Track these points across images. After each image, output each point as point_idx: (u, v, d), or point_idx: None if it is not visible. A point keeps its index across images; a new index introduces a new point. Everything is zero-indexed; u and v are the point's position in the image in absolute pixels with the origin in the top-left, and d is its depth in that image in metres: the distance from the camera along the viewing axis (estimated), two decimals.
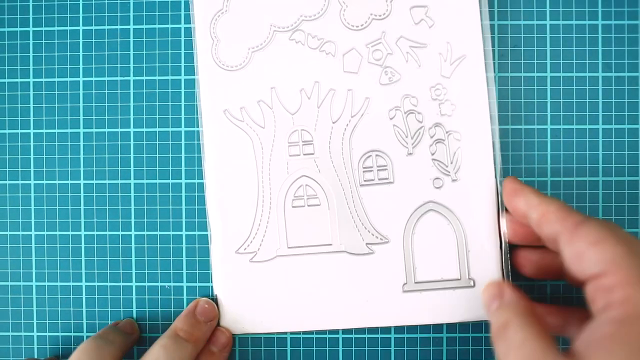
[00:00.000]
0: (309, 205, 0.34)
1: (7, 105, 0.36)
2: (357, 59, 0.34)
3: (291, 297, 0.34)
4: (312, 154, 0.34)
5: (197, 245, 0.36)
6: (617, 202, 0.35)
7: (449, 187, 0.34)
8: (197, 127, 0.36)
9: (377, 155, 0.34)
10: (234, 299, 0.35)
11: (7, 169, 0.36)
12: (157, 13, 0.36)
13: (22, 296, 0.36)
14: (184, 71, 0.36)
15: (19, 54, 0.36)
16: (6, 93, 0.36)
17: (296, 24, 0.34)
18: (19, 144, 0.36)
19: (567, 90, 0.35)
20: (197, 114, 0.36)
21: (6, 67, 0.36)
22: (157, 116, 0.36)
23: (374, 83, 0.34)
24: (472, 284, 0.34)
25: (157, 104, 0.36)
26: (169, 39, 0.36)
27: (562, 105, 0.35)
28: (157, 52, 0.36)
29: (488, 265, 0.34)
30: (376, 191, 0.34)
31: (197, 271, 0.36)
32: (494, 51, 0.35)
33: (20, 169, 0.36)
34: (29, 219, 0.36)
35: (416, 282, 0.34)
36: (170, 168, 0.36)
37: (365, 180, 0.34)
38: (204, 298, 0.35)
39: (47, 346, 0.36)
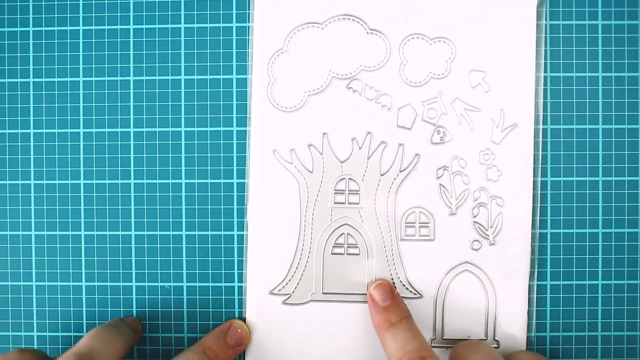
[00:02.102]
0: (348, 254, 0.35)
1: (7, 105, 0.36)
2: (412, 115, 0.35)
3: (320, 342, 0.35)
4: (357, 203, 0.35)
5: (197, 245, 0.36)
6: (617, 202, 0.35)
7: (486, 250, 0.35)
8: (196, 127, 0.36)
9: (420, 212, 0.35)
10: (262, 338, 0.35)
11: (7, 169, 0.36)
12: (157, 13, 0.36)
13: (22, 296, 0.36)
14: (183, 71, 0.36)
15: (19, 54, 0.36)
16: (6, 93, 0.36)
17: (355, 72, 0.35)
18: (19, 144, 0.36)
19: (567, 90, 0.35)
20: (196, 114, 0.36)
21: (6, 67, 0.36)
22: (157, 116, 0.36)
23: (426, 141, 0.35)
24: (497, 345, 0.35)
25: (157, 104, 0.36)
26: (169, 39, 0.36)
27: (562, 105, 0.35)
28: (157, 52, 0.36)
29: (514, 329, 0.35)
30: (416, 247, 0.35)
31: (197, 271, 0.36)
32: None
33: (20, 169, 0.36)
34: (29, 219, 0.36)
35: (443, 339, 0.35)
36: (170, 168, 0.36)
37: (406, 235, 0.35)
38: (239, 321, 0.35)
39: (47, 346, 0.36)
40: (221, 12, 0.36)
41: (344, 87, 0.35)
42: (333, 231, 0.35)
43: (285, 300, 0.35)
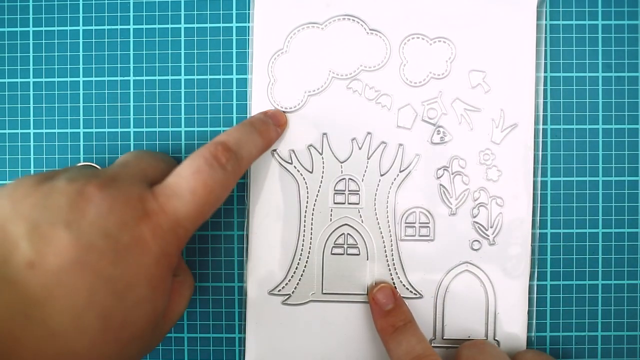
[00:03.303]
0: (348, 254, 0.35)
1: (7, 105, 0.36)
2: (412, 115, 0.35)
3: (320, 342, 0.35)
4: (357, 204, 0.35)
5: (196, 245, 0.36)
6: (617, 202, 0.35)
7: (486, 250, 0.35)
8: (196, 127, 0.36)
9: (420, 212, 0.35)
10: (262, 339, 0.35)
11: (7, 169, 0.36)
12: (157, 13, 0.36)
13: None
14: (183, 71, 0.36)
15: (19, 54, 0.36)
16: (6, 93, 0.36)
17: (355, 73, 0.35)
18: (19, 144, 0.36)
19: (567, 90, 0.35)
20: (196, 114, 0.36)
21: (6, 67, 0.36)
22: (157, 116, 0.36)
23: (426, 141, 0.35)
24: (497, 346, 0.35)
25: (157, 104, 0.36)
26: (169, 39, 0.36)
27: (562, 105, 0.35)
28: (157, 52, 0.36)
29: (514, 329, 0.35)
30: (415, 247, 0.35)
31: (197, 271, 0.36)
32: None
33: (20, 169, 0.36)
34: None
35: (444, 339, 0.35)
36: None
37: (406, 235, 0.35)
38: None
39: None
40: (221, 12, 0.36)
41: (344, 87, 0.35)
42: (333, 231, 0.35)
43: (285, 301, 0.35)
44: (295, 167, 0.35)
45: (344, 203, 0.35)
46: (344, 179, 0.35)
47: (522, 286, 0.35)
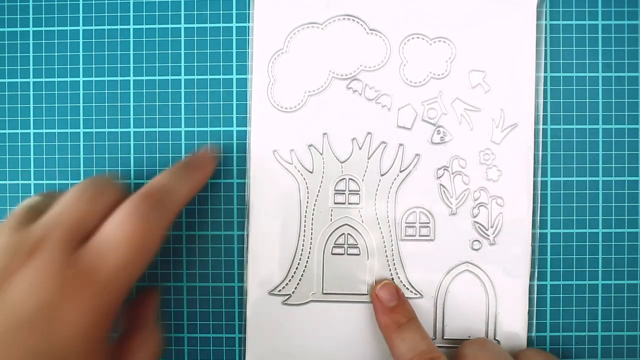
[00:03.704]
0: (348, 254, 0.35)
1: (7, 105, 0.36)
2: (412, 115, 0.35)
3: (321, 343, 0.35)
4: (358, 204, 0.35)
5: (197, 245, 0.36)
6: (617, 202, 0.35)
7: (487, 250, 0.35)
8: (196, 127, 0.36)
9: (421, 212, 0.35)
10: (262, 339, 0.35)
11: (7, 169, 0.36)
12: (157, 13, 0.36)
13: None
14: (183, 71, 0.36)
15: (19, 54, 0.36)
16: (6, 93, 0.36)
17: (355, 73, 0.35)
18: (19, 144, 0.36)
19: (567, 90, 0.35)
20: (196, 114, 0.36)
21: (6, 67, 0.36)
22: (157, 116, 0.36)
23: (426, 141, 0.35)
24: (498, 343, 0.35)
25: (157, 104, 0.36)
26: (169, 39, 0.36)
27: (562, 105, 0.35)
28: (157, 52, 0.36)
29: (514, 328, 0.35)
30: (416, 247, 0.35)
31: (197, 271, 0.36)
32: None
33: (20, 169, 0.36)
34: None
35: (444, 339, 0.35)
36: None
37: (406, 235, 0.35)
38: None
39: None
40: (221, 12, 0.36)
41: (344, 87, 0.35)
42: (333, 231, 0.35)
43: (285, 301, 0.35)
44: (295, 167, 0.35)
45: (344, 203, 0.35)
46: (344, 179, 0.35)
47: (522, 286, 0.35)
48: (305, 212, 0.35)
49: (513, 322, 0.35)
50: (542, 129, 0.35)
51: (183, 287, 0.36)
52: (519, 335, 0.35)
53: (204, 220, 0.36)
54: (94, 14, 0.36)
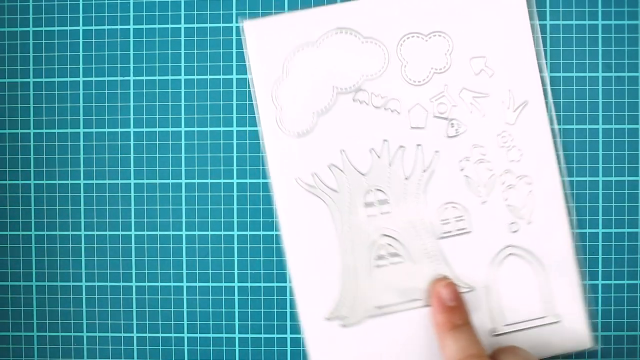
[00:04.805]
0: (392, 264, 0.34)
1: (7, 105, 0.36)
2: (423, 114, 0.35)
3: (384, 356, 0.34)
4: (389, 212, 0.35)
5: (196, 246, 0.36)
6: (617, 202, 0.35)
7: (525, 229, 0.35)
8: (196, 127, 0.36)
9: (452, 206, 0.35)
10: None
11: (7, 169, 0.36)
12: (157, 13, 0.36)
13: (21, 296, 0.36)
14: (183, 71, 0.36)
15: (19, 54, 0.36)
16: (6, 93, 0.36)
17: (358, 83, 0.35)
18: (19, 144, 0.36)
19: (567, 90, 0.35)
20: (196, 114, 0.36)
21: (6, 67, 0.36)
22: (157, 116, 0.36)
23: (442, 136, 0.35)
24: (558, 320, 0.35)
25: (157, 104, 0.36)
26: (169, 39, 0.36)
27: (562, 105, 0.35)
28: (157, 52, 0.36)
29: (571, 299, 0.35)
30: (456, 242, 0.35)
31: (197, 271, 0.36)
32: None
33: (20, 169, 0.36)
34: (29, 219, 0.36)
35: (505, 325, 0.35)
36: (170, 168, 0.36)
37: (444, 233, 0.35)
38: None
39: (47, 346, 0.36)
40: (221, 12, 0.36)
41: (350, 100, 0.35)
42: (373, 245, 0.35)
43: (342, 324, 0.34)
44: (320, 189, 0.35)
45: (376, 215, 0.35)
46: (370, 190, 0.35)
47: (569, 257, 0.34)
48: (341, 232, 0.34)
49: (568, 294, 0.34)
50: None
51: (183, 287, 0.36)
52: (577, 305, 0.34)
53: (204, 220, 0.36)
54: (93, 14, 0.36)
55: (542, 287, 0.34)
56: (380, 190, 0.35)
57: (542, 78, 0.35)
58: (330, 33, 0.35)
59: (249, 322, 0.36)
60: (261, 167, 0.36)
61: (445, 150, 0.35)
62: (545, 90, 0.35)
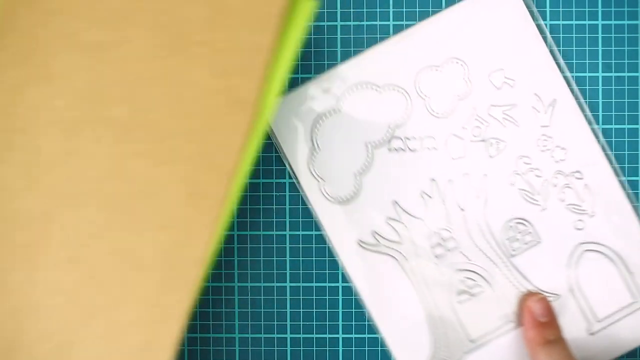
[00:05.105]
0: (473, 295, 0.35)
1: None
2: (460, 143, 0.35)
3: None
4: (456, 247, 0.35)
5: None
6: None
7: (591, 223, 0.35)
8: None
9: (515, 223, 0.35)
10: None
11: None
12: None
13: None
14: None
15: None
16: None
17: (389, 133, 0.35)
18: None
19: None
20: None
21: None
22: None
23: (485, 158, 0.35)
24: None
25: None
26: None
27: None
28: None
29: None
30: (528, 255, 0.35)
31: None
32: None
33: None
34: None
35: (598, 321, 0.35)
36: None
37: (514, 250, 0.35)
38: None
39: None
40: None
41: (386, 151, 0.35)
42: (450, 283, 0.35)
43: None
44: (384, 245, 0.35)
45: (444, 253, 0.35)
46: (433, 232, 0.35)
47: (637, 233, 0.35)
48: (417, 279, 0.35)
49: None
50: None
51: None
52: None
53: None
54: None
55: (623, 273, 0.35)
56: (442, 228, 0.35)
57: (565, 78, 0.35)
58: (347, 92, 0.35)
59: None
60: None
61: (492, 171, 0.35)
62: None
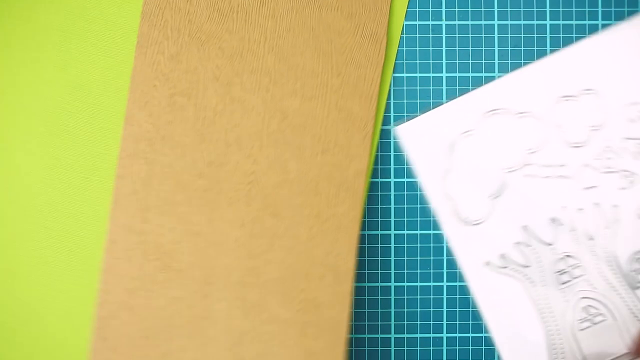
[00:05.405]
0: (594, 324, 0.35)
1: None
2: (593, 174, 0.35)
3: None
4: (583, 275, 0.35)
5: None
6: None
7: None
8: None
9: None
10: None
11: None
12: None
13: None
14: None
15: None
16: None
17: (524, 159, 0.35)
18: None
19: None
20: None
21: None
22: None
23: (616, 190, 0.35)
24: None
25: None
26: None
27: None
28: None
29: None
30: None
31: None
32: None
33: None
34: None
35: None
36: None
37: (638, 283, 0.35)
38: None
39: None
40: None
41: (520, 177, 0.35)
42: (573, 310, 0.35)
43: None
44: (511, 269, 0.35)
45: (570, 280, 0.35)
46: (560, 258, 0.35)
47: None
48: (539, 304, 0.35)
49: None
50: None
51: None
52: None
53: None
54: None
55: None
56: (570, 255, 0.35)
57: None
58: (483, 117, 0.35)
59: None
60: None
61: (623, 202, 0.35)
62: None
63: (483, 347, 0.36)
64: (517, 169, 0.35)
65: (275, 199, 0.33)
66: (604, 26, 0.34)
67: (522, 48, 0.36)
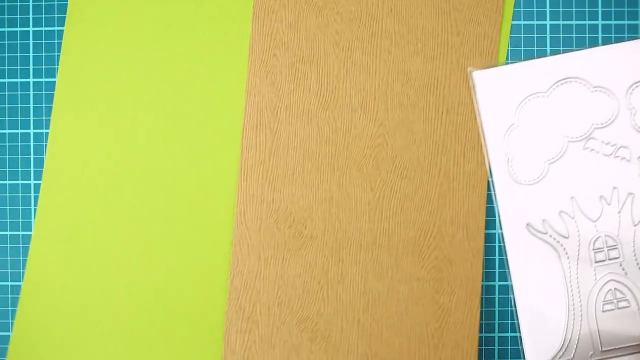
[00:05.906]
0: (618, 309, 0.34)
1: (7, 105, 0.36)
2: None
3: None
4: (618, 257, 0.34)
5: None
6: None
7: None
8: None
9: None
10: None
11: (7, 169, 0.36)
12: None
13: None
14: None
15: (19, 54, 0.36)
16: (6, 93, 0.36)
17: (588, 132, 0.34)
18: (19, 144, 0.36)
19: None
20: None
21: (6, 67, 0.36)
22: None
23: None
24: None
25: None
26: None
27: None
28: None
29: None
30: None
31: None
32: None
33: (20, 169, 0.36)
34: (29, 218, 0.36)
35: None
36: None
37: None
38: None
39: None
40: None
41: (580, 148, 0.35)
42: (600, 289, 0.34)
43: None
44: (550, 235, 0.35)
45: (604, 260, 0.34)
46: (600, 237, 0.35)
47: None
48: (570, 277, 0.35)
49: None
50: None
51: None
52: None
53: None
54: None
55: None
56: (610, 236, 0.34)
57: None
58: (560, 83, 0.35)
59: None
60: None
61: None
62: None
63: None
64: (580, 140, 0.35)
65: (404, 161, 0.35)
66: (604, 26, 0.35)
67: (522, 48, 0.36)
